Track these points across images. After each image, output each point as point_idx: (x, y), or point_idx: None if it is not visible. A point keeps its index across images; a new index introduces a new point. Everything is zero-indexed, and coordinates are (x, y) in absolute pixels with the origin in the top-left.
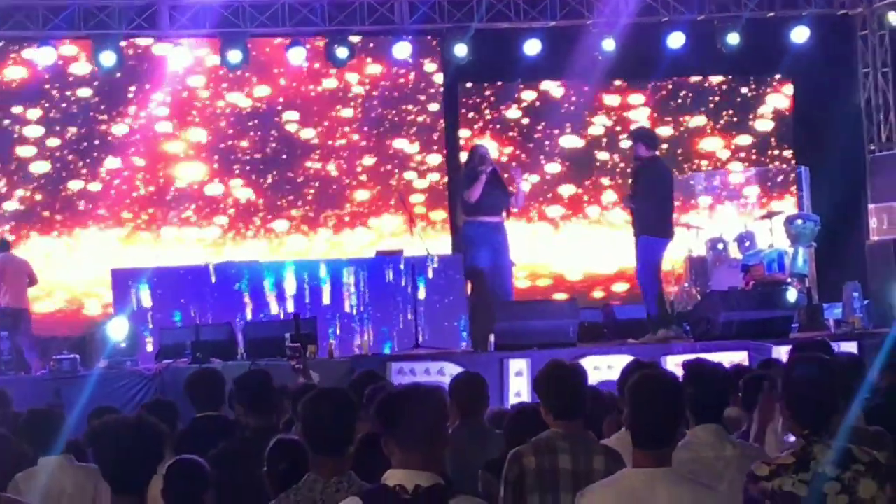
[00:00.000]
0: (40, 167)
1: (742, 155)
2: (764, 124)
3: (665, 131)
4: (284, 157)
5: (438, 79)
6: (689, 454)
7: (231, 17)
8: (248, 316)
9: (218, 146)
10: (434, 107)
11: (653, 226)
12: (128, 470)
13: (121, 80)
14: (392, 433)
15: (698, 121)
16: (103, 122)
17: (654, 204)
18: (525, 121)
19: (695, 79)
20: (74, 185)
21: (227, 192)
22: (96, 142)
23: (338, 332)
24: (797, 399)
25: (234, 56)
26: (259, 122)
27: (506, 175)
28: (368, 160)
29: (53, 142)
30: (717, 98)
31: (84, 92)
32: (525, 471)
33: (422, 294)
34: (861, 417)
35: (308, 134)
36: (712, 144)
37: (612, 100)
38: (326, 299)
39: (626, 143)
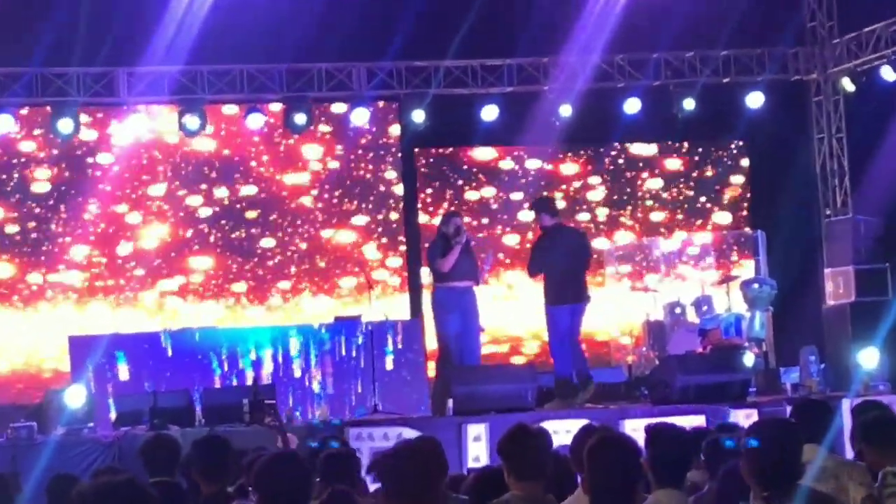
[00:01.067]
0: None
1: (699, 221)
2: (720, 189)
3: (620, 196)
4: (240, 222)
5: (395, 144)
6: None
7: (188, 83)
8: (207, 383)
9: (174, 211)
10: (391, 173)
11: (551, 295)
12: None
13: (79, 147)
14: (384, 491)
15: (653, 185)
16: (59, 186)
17: (550, 273)
18: (482, 193)
19: (650, 146)
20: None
21: (182, 256)
22: (54, 204)
23: (296, 398)
24: (755, 463)
25: (192, 122)
26: (217, 186)
27: (482, 255)
28: (326, 231)
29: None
30: (674, 164)
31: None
32: None
33: (381, 360)
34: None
35: (264, 199)
36: (668, 209)
37: (567, 168)
38: (284, 366)
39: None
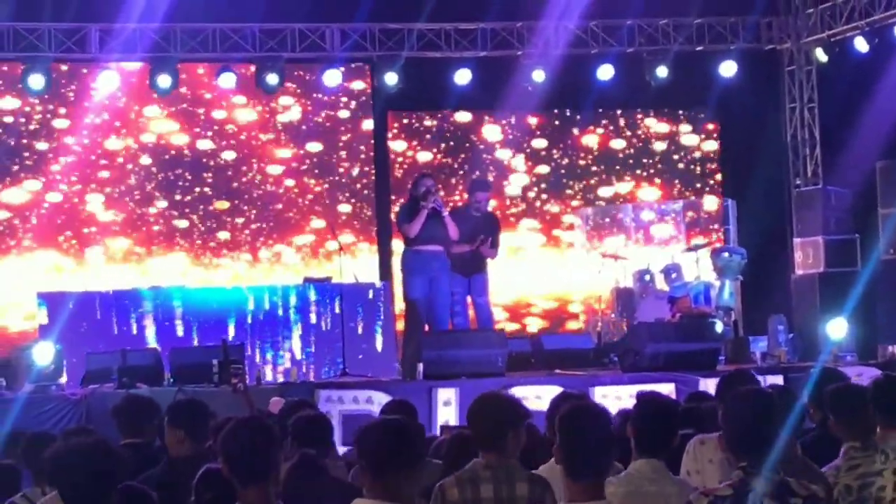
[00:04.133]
0: None
1: (669, 187)
2: (691, 157)
3: (590, 161)
4: (213, 180)
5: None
6: (629, 487)
7: (161, 41)
8: (175, 342)
9: (147, 168)
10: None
11: None
12: (88, 494)
13: (47, 102)
14: (361, 462)
15: (624, 151)
16: (28, 143)
17: None
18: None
19: (622, 112)
20: None
21: (153, 215)
22: (26, 162)
23: (266, 358)
24: (735, 431)
25: (164, 81)
26: (187, 146)
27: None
28: (297, 185)
29: None
30: (645, 131)
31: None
32: (448, 503)
33: (351, 322)
34: (798, 450)
35: (234, 157)
36: (638, 177)
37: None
38: (253, 326)
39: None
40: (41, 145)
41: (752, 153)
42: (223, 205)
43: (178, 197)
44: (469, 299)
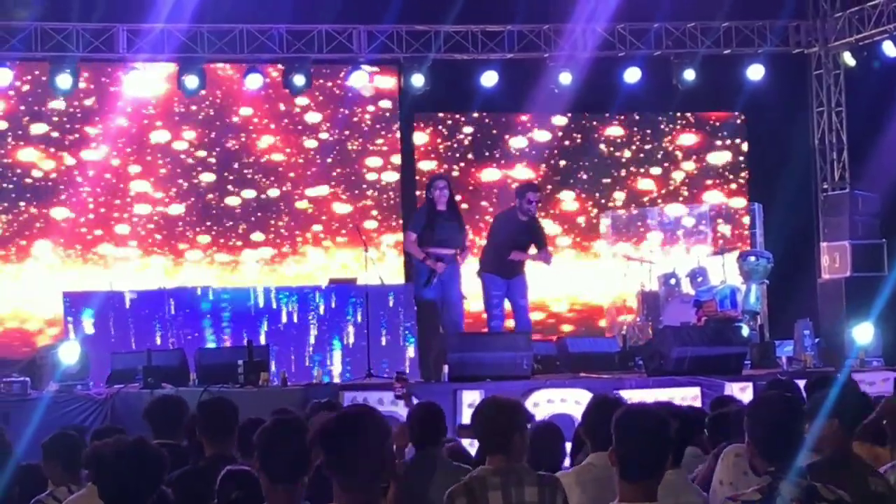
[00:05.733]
0: None
1: (696, 191)
2: (718, 160)
3: (618, 165)
4: (240, 182)
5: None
6: None
7: (189, 42)
8: (201, 342)
9: (174, 171)
10: (390, 135)
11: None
12: (129, 493)
13: (76, 102)
14: (328, 463)
15: (651, 154)
16: (58, 145)
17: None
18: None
19: (650, 114)
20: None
21: (180, 217)
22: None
23: (291, 359)
24: (762, 436)
25: (192, 81)
26: (215, 147)
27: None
28: (323, 187)
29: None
30: (672, 134)
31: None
32: None
33: (375, 324)
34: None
35: (264, 159)
36: (664, 179)
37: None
38: (279, 327)
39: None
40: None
41: (780, 157)
42: (245, 197)
43: (205, 195)
44: (507, 302)
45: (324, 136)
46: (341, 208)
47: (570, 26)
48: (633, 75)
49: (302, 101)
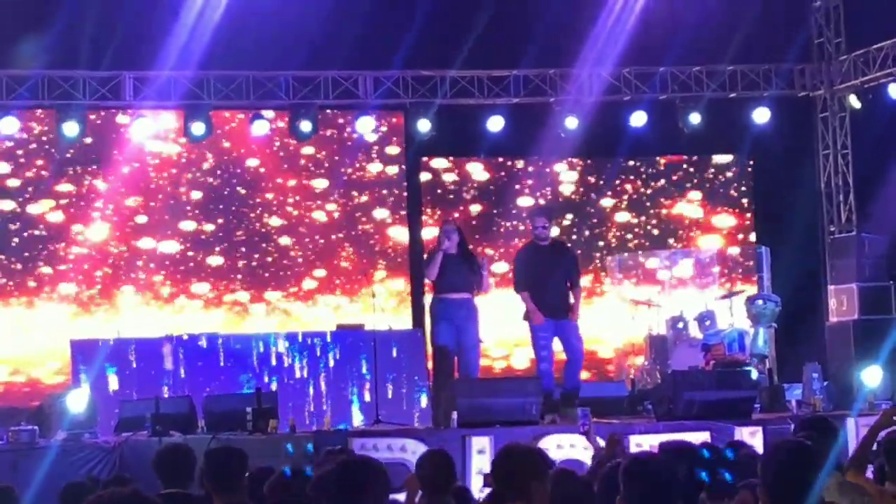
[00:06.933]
0: None
1: (701, 233)
2: (724, 203)
3: (626, 209)
4: (246, 227)
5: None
6: None
7: (195, 88)
8: (209, 389)
9: (178, 218)
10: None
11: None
12: None
13: (83, 150)
14: None
15: (658, 198)
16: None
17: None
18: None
19: (657, 159)
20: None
21: (188, 263)
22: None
23: (299, 405)
24: (774, 481)
25: (198, 128)
26: (221, 193)
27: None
28: (331, 233)
29: (7, 204)
30: (679, 177)
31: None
32: None
33: (383, 370)
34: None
35: (271, 207)
36: (671, 222)
37: (572, 179)
38: (287, 373)
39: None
40: (66, 187)
41: (786, 200)
42: (251, 242)
43: (206, 240)
44: (556, 341)
45: (328, 177)
46: (348, 254)
47: (576, 71)
48: (639, 119)
49: (308, 149)
